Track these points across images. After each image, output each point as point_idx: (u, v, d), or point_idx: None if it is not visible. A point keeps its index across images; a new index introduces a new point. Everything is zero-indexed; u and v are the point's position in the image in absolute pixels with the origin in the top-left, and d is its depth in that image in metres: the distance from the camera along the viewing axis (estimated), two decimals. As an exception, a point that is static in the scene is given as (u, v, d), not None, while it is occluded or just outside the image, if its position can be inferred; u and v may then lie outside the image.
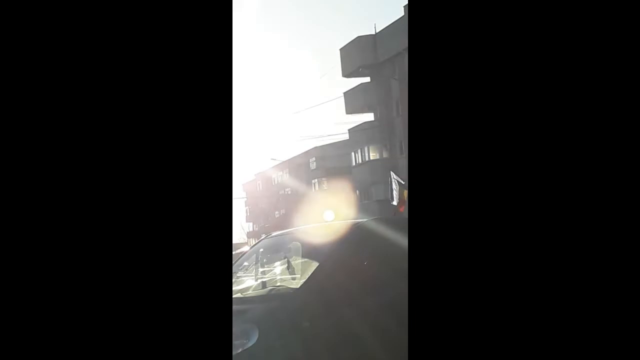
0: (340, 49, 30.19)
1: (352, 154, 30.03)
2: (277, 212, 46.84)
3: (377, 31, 28.45)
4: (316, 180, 42.79)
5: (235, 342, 3.35)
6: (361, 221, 4.30)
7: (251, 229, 53.77)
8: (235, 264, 4.35)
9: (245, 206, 53.88)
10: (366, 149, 28.85)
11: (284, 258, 4.14)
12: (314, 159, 43.34)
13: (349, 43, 29.67)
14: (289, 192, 46.51)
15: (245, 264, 4.41)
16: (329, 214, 4.83)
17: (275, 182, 49.92)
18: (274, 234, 4.44)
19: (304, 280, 3.68)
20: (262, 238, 4.67)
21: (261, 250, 4.43)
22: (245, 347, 3.32)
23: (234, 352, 3.31)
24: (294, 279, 3.94)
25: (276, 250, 4.35)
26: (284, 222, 32.33)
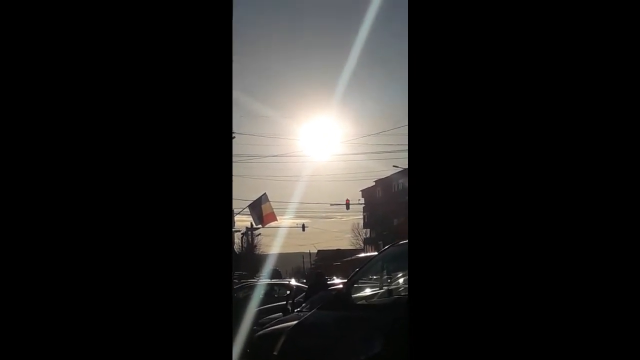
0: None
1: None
2: (395, 220, 46.47)
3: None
4: (437, 189, 41.76)
5: (359, 348, 3.35)
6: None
7: (368, 235, 53.81)
8: (361, 271, 4.34)
9: (363, 212, 54.03)
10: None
11: (411, 267, 4.06)
12: (435, 167, 42.32)
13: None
14: (409, 201, 45.80)
15: (371, 270, 4.38)
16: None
17: (395, 189, 49.58)
18: (401, 242, 4.36)
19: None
20: (388, 246, 4.62)
21: (387, 257, 4.38)
22: (369, 355, 3.29)
23: (356, 358, 3.31)
24: (421, 289, 3.84)
25: (403, 259, 4.28)
26: (403, 230, 31.94)
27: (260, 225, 20.11)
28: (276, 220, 19.12)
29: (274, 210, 18.73)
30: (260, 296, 11.79)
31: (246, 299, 11.69)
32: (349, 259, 29.92)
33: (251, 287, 13.09)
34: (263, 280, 13.75)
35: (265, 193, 18.05)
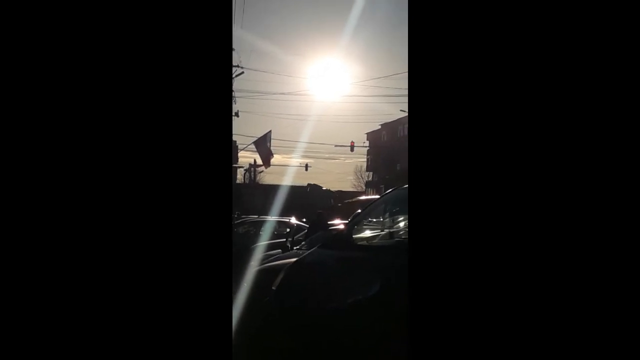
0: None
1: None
2: (399, 165, 46.60)
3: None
4: (442, 136, 41.90)
5: (358, 289, 3.37)
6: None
7: (370, 179, 54.09)
8: (363, 212, 4.34)
9: (367, 155, 54.14)
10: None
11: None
12: (442, 114, 42.37)
13: None
14: (413, 146, 45.84)
15: (373, 213, 4.37)
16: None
17: (401, 134, 49.50)
18: (405, 186, 4.33)
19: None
20: (391, 189, 4.60)
21: (390, 201, 4.37)
22: (367, 295, 3.31)
23: (354, 298, 3.35)
24: (422, 233, 3.85)
25: (406, 203, 4.26)
26: (406, 175, 32.07)
27: (263, 165, 20.03)
28: (270, 162, 19.11)
29: (276, 148, 18.71)
30: (260, 232, 11.91)
31: (245, 235, 11.83)
32: (350, 200, 30.19)
33: (251, 223, 13.22)
34: (263, 217, 13.85)
35: (270, 131, 17.92)
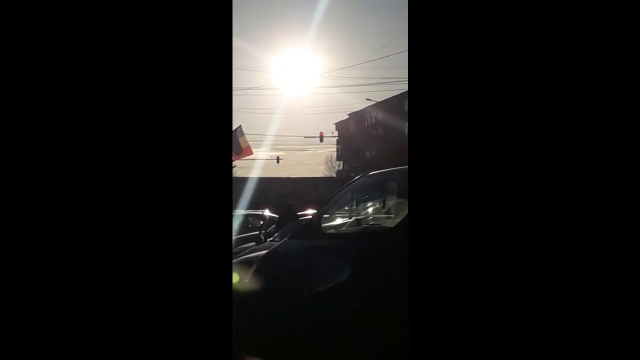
0: None
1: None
2: (367, 153, 46.86)
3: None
4: (410, 122, 42.23)
5: (327, 276, 3.44)
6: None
7: (341, 168, 54.30)
8: (331, 201, 4.40)
9: (337, 145, 54.34)
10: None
11: (380, 197, 4.13)
12: (409, 101, 42.69)
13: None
14: (382, 133, 46.27)
15: (341, 201, 4.44)
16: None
17: (368, 122, 49.78)
18: (371, 173, 4.41)
19: (399, 220, 3.66)
20: (358, 176, 4.67)
21: (357, 188, 4.44)
22: (336, 282, 3.38)
23: (324, 286, 3.41)
24: (389, 218, 3.94)
25: (372, 189, 4.34)
26: (375, 163, 32.29)
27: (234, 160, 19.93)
28: (252, 154, 19.00)
29: (250, 143, 18.56)
30: (235, 226, 11.89)
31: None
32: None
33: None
34: (238, 211, 13.81)
35: (240, 126, 17.77)
